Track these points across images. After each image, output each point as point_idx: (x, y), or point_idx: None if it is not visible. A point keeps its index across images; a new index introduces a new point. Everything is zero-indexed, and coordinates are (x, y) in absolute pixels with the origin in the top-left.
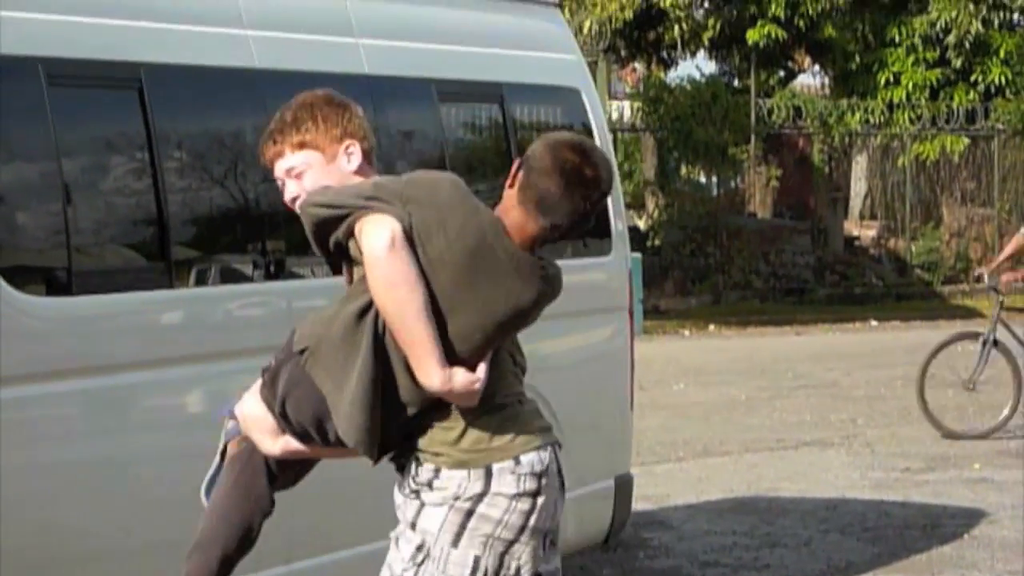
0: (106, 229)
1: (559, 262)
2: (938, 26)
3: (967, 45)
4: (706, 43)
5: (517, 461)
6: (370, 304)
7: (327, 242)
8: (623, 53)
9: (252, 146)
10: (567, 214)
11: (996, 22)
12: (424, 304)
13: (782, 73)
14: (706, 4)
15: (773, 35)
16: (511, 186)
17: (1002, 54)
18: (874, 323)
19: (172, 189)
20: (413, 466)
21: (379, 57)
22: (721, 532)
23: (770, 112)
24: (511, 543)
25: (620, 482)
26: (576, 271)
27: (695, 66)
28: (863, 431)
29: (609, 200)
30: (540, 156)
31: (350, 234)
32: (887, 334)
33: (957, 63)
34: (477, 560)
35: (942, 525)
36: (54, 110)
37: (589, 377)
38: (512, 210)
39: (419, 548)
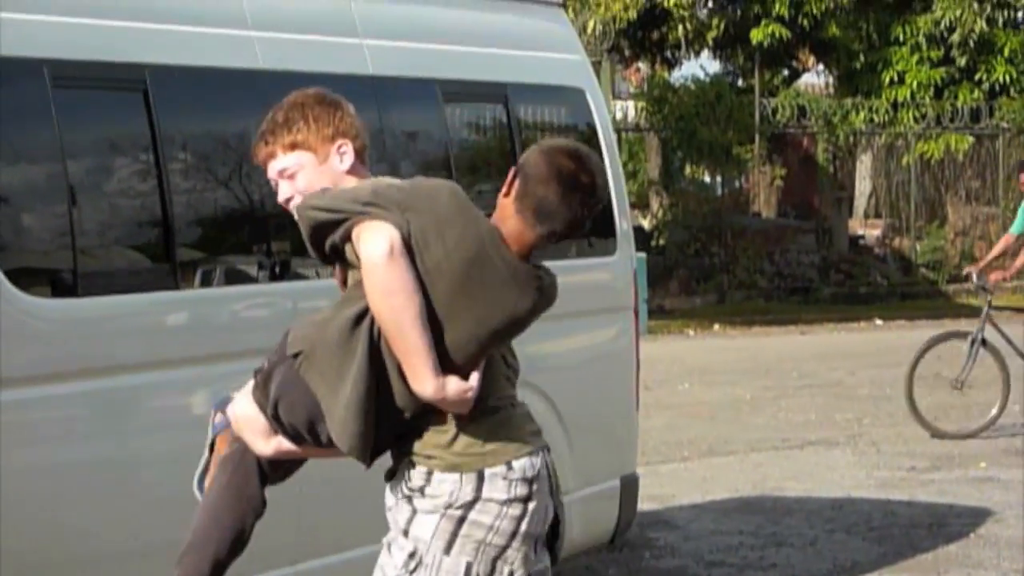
0: (111, 231)
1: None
2: (942, 25)
3: (971, 44)
4: (710, 42)
5: (509, 466)
6: (366, 310)
7: (323, 244)
8: (627, 53)
9: None
10: (565, 221)
11: (1000, 21)
12: (420, 313)
13: (786, 72)
14: (710, 3)
15: (777, 34)
16: (507, 195)
17: (1007, 52)
18: (879, 322)
19: (177, 190)
20: (406, 469)
21: (383, 58)
22: (727, 532)
23: (774, 111)
24: (503, 548)
25: (626, 482)
26: (581, 271)
27: (699, 66)
28: (868, 430)
29: (614, 200)
30: (536, 164)
31: (347, 238)
32: (892, 333)
33: (961, 62)
34: (469, 566)
35: (948, 524)
36: (59, 112)
37: (594, 377)
38: (509, 219)
39: (411, 556)
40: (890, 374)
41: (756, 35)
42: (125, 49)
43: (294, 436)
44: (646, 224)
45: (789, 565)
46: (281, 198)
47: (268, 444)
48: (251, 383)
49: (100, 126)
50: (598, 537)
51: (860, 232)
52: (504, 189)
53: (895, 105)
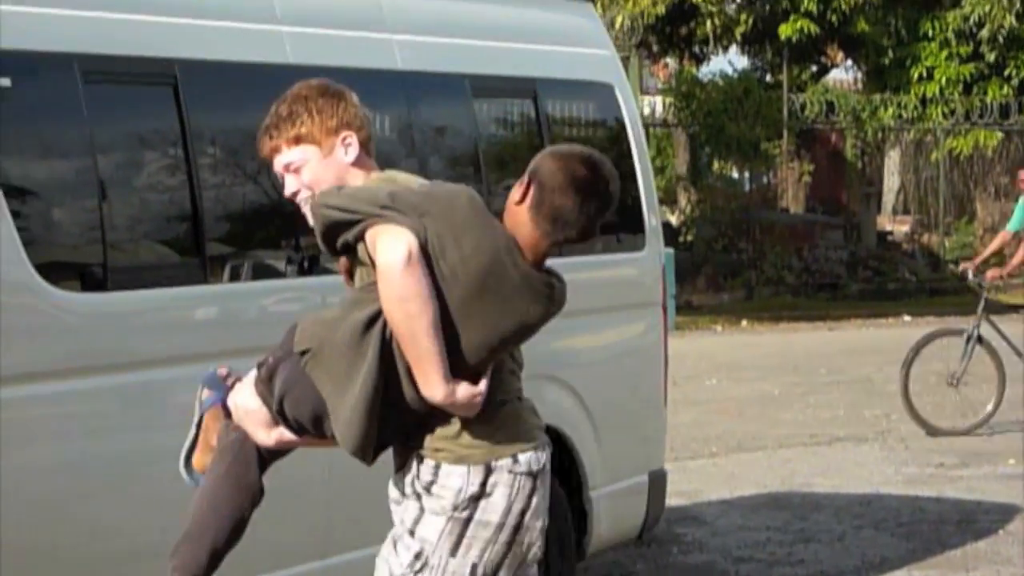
0: (140, 225)
1: (593, 258)
2: (971, 20)
3: (1000, 39)
4: (738, 38)
5: (515, 460)
6: (379, 313)
7: (335, 241)
8: (655, 48)
9: None
10: (580, 228)
11: None
12: (434, 320)
13: (814, 68)
14: None
15: (806, 30)
16: (520, 202)
17: None
18: (907, 318)
19: (206, 185)
20: (414, 464)
21: (413, 53)
22: (754, 527)
23: (802, 107)
24: (509, 545)
25: (654, 477)
26: (610, 267)
27: (727, 61)
28: (897, 426)
29: (642, 195)
30: (552, 173)
31: (360, 238)
32: (920, 329)
33: (990, 57)
34: (475, 567)
35: (976, 520)
36: (89, 106)
37: (623, 373)
38: (523, 226)
39: (417, 556)
40: (919, 370)
41: (784, 30)
42: (155, 44)
43: (298, 429)
44: (674, 220)
45: (817, 561)
46: (287, 192)
47: (270, 435)
48: (252, 374)
49: (129, 121)
50: (626, 533)
51: (888, 228)
52: (517, 196)
53: (924, 101)
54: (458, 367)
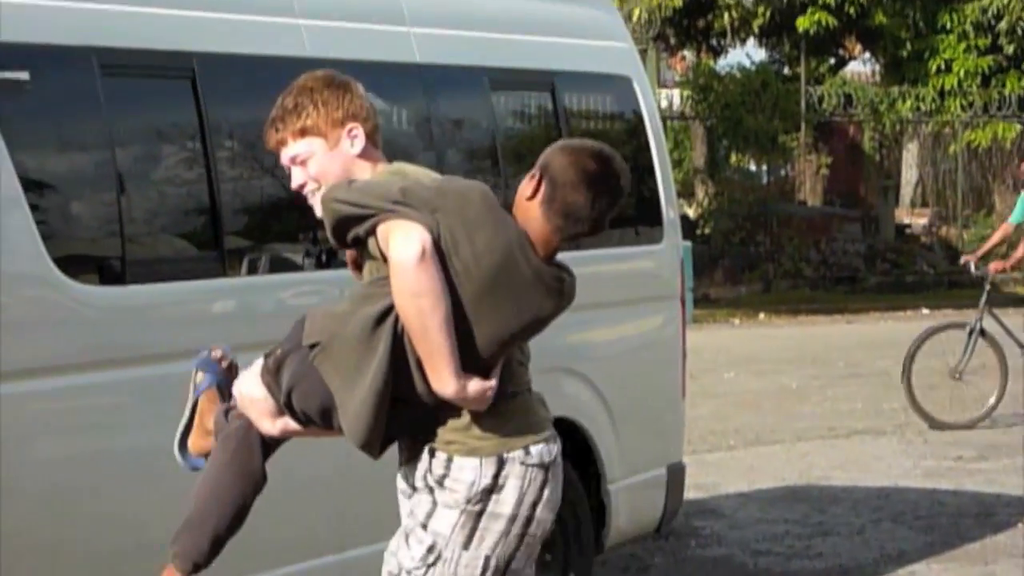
0: (159, 219)
1: (611, 250)
2: (990, 12)
3: (1019, 32)
4: (756, 30)
5: (527, 451)
6: (390, 308)
7: (345, 235)
8: (672, 41)
9: None
10: (592, 223)
11: None
12: (447, 316)
13: (832, 60)
14: None
15: (823, 22)
16: (531, 198)
17: None
18: (926, 311)
19: (224, 178)
20: (426, 457)
21: (431, 45)
22: (773, 520)
23: (820, 100)
24: (521, 537)
25: (672, 470)
26: (628, 259)
27: (745, 54)
28: (915, 419)
29: (660, 188)
30: (564, 169)
31: (372, 232)
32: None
33: (1009, 50)
34: (487, 560)
35: (995, 513)
36: (107, 100)
37: (641, 365)
38: (534, 221)
39: (430, 550)
40: (937, 363)
41: (802, 23)
42: (173, 37)
43: (304, 421)
44: (691, 213)
45: (835, 554)
46: (294, 184)
47: (275, 425)
48: (258, 363)
49: (147, 114)
50: (644, 526)
51: (907, 221)
52: (528, 192)
53: (942, 93)
54: (469, 362)
